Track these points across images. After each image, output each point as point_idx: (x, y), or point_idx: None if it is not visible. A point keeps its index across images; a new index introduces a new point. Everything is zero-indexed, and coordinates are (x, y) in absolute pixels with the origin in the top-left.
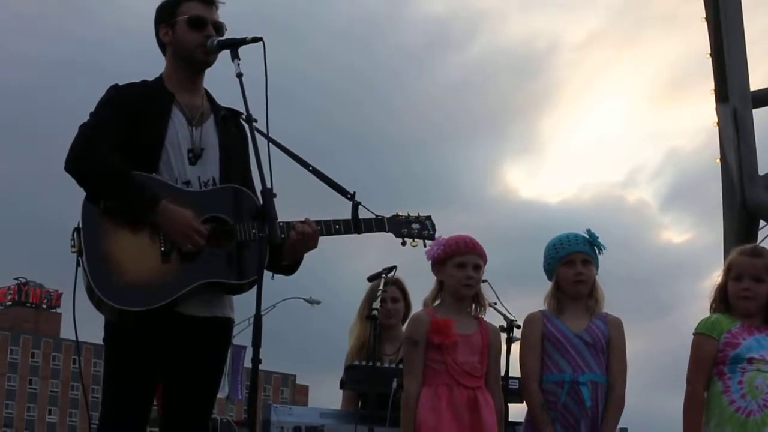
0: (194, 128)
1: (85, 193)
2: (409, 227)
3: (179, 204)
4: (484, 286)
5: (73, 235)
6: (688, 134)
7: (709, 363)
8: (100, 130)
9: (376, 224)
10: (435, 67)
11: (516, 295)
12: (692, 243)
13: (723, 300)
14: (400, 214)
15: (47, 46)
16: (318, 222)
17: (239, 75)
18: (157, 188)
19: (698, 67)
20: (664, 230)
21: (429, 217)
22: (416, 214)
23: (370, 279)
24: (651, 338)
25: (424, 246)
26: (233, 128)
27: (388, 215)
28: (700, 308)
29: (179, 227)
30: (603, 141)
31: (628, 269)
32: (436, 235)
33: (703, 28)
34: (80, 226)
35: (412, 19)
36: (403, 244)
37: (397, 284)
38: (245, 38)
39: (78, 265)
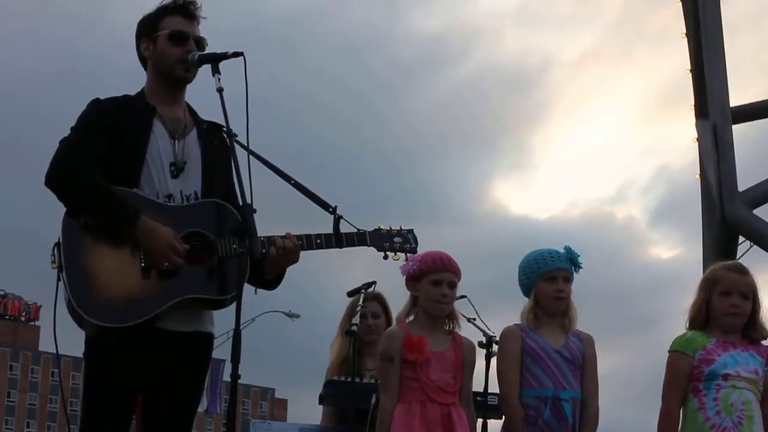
0: (176, 141)
1: (65, 208)
2: (391, 241)
3: (160, 219)
4: (463, 302)
5: (53, 250)
6: (679, 151)
7: (684, 380)
8: (80, 145)
9: (358, 238)
10: (428, 82)
11: (503, 309)
12: (680, 259)
13: (705, 316)
14: (382, 228)
15: (42, 58)
16: (299, 236)
17: (220, 90)
18: (137, 204)
19: (690, 85)
20: (653, 246)
21: (411, 231)
22: (398, 228)
23: (350, 294)
24: (636, 353)
25: (406, 260)
26: (216, 141)
27: (370, 229)
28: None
29: (157, 245)
30: (594, 157)
31: (614, 285)
32: (419, 249)
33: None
34: (60, 241)
35: (407, 35)
36: (385, 258)
37: (378, 299)
38: (226, 53)
39: (58, 280)
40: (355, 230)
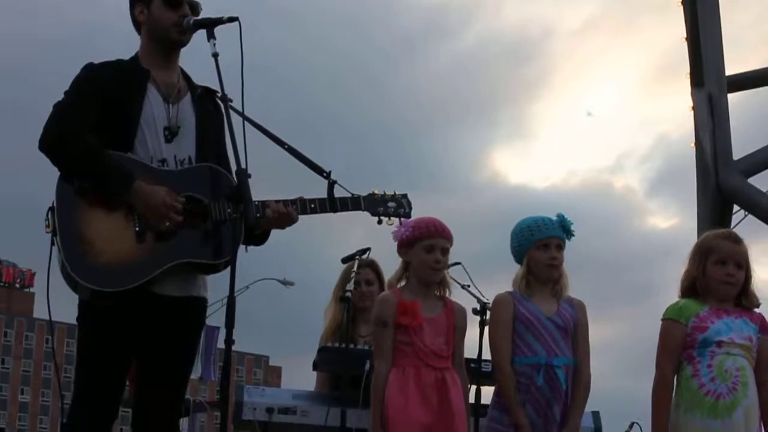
0: (170, 106)
1: (59, 173)
2: (385, 206)
3: (154, 183)
4: (457, 269)
5: (47, 214)
6: (678, 120)
7: (678, 348)
8: (74, 109)
9: (352, 203)
10: (429, 53)
11: (501, 277)
12: (678, 228)
13: (701, 284)
14: (376, 192)
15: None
16: (294, 201)
17: (215, 55)
18: (131, 167)
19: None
20: (651, 215)
21: (405, 196)
22: (392, 193)
23: (344, 261)
24: (633, 322)
25: (400, 225)
26: (210, 106)
27: (364, 194)
28: None
29: (153, 207)
30: (593, 127)
31: (612, 254)
32: (413, 214)
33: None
34: (54, 205)
35: (409, 5)
36: (379, 222)
37: (372, 266)
38: (221, 18)
39: (52, 244)
40: (350, 195)
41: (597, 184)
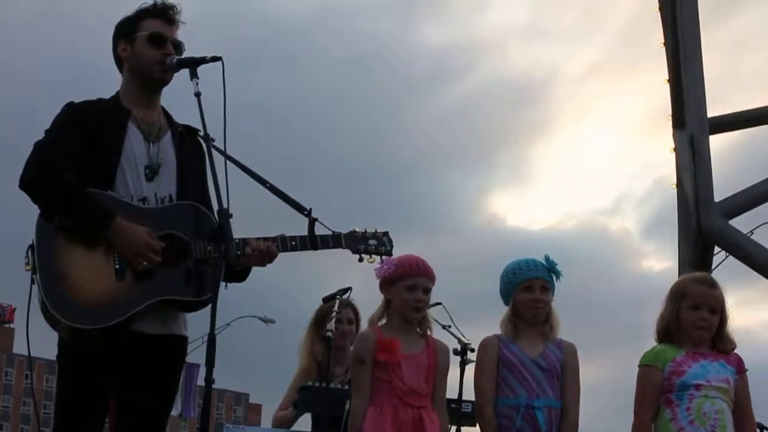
0: (151, 144)
1: (39, 211)
2: (366, 243)
3: (135, 221)
4: (438, 309)
5: (27, 252)
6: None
7: (656, 394)
8: (55, 147)
9: (333, 240)
10: (432, 97)
11: (494, 320)
12: (672, 270)
13: (674, 328)
14: (357, 230)
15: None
16: (274, 238)
17: (197, 94)
18: (111, 205)
19: None
20: (645, 258)
21: (386, 233)
22: (373, 231)
23: (325, 300)
24: (624, 363)
25: (381, 262)
26: (190, 145)
27: (345, 231)
28: None
29: (132, 246)
30: (592, 170)
31: (605, 297)
32: (394, 252)
33: (705, 59)
34: (34, 243)
35: (415, 49)
36: (360, 260)
37: (352, 307)
38: (204, 57)
39: (32, 282)
40: (330, 232)
41: (593, 227)
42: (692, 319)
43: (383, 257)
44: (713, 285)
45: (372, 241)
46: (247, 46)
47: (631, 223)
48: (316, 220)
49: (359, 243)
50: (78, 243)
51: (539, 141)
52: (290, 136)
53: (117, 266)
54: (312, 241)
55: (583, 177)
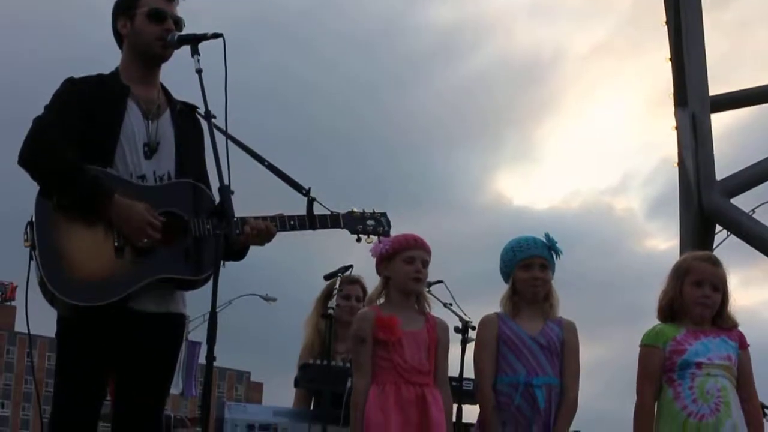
0: (150, 122)
1: (38, 187)
2: (365, 224)
3: (134, 198)
4: (440, 287)
5: (26, 229)
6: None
7: (657, 373)
8: (54, 124)
9: (331, 220)
10: (437, 76)
11: (498, 298)
12: (677, 250)
13: (678, 304)
14: (355, 210)
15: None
16: (273, 217)
17: (199, 71)
18: (110, 183)
19: None
20: (650, 237)
21: (384, 214)
22: (371, 211)
23: (327, 278)
24: (627, 342)
25: (378, 242)
26: (189, 122)
27: (343, 212)
28: None
29: (132, 222)
30: (597, 149)
31: (609, 275)
32: (391, 232)
33: (710, 39)
34: (33, 220)
35: (420, 28)
36: (358, 240)
37: (360, 284)
38: (205, 34)
39: (31, 259)
40: (329, 212)
41: (597, 206)
42: (695, 295)
43: (380, 237)
44: (716, 263)
45: (370, 222)
46: (250, 24)
47: (636, 202)
48: (314, 199)
49: (357, 223)
50: (77, 220)
51: (545, 120)
52: (294, 114)
53: (116, 243)
54: (311, 221)
55: (588, 156)
